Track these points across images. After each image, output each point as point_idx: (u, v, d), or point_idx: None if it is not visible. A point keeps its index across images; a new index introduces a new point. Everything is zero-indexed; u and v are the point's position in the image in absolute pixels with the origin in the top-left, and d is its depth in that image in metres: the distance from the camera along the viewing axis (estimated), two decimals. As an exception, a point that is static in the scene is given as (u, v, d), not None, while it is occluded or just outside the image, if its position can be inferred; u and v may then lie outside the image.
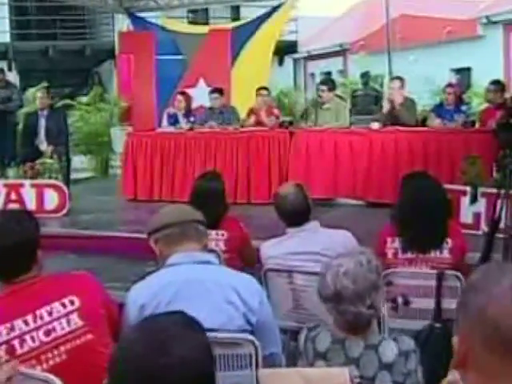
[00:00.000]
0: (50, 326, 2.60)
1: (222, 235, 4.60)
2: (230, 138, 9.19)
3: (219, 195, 4.70)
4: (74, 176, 12.45)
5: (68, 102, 15.40)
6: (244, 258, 4.66)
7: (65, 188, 8.60)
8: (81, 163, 14.92)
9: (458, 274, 3.72)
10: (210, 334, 2.75)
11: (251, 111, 9.89)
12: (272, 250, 4.20)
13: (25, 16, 21.90)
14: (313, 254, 4.04)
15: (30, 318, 2.59)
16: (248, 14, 16.00)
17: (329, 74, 24.66)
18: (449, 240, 3.90)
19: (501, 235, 5.00)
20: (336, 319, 2.62)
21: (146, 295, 2.82)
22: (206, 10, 22.46)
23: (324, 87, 9.26)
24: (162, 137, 9.66)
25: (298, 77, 26.03)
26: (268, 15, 12.92)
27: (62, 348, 2.60)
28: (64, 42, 21.81)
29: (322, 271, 2.66)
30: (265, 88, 10.07)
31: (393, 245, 3.96)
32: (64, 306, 2.65)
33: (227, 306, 2.76)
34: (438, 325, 3.68)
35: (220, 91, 10.01)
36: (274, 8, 13.00)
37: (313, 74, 25.29)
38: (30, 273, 2.69)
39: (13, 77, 19.84)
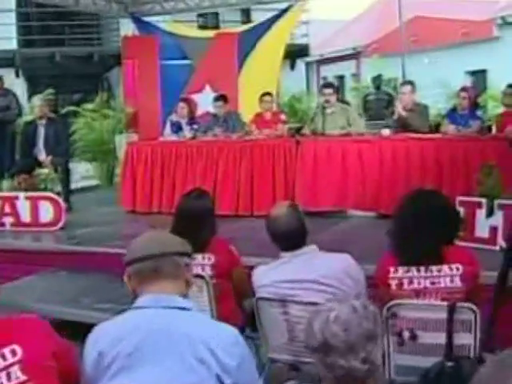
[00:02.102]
0: (-14, 382, 2.22)
1: (209, 259, 4.19)
2: (233, 147, 8.78)
3: (206, 216, 4.27)
4: (79, 184, 12.20)
5: (74, 108, 15.17)
6: (234, 286, 4.26)
7: (60, 200, 8.23)
8: (86, 171, 14.68)
9: (472, 305, 3.30)
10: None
11: (257, 116, 9.60)
12: (264, 278, 3.79)
13: (31, 22, 21.64)
14: (310, 282, 3.64)
15: (-37, 372, 2.21)
16: (259, 17, 15.62)
17: (342, 77, 24.36)
18: (460, 266, 3.46)
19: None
20: (324, 375, 2.19)
21: (106, 341, 2.41)
22: (217, 14, 22.17)
23: (330, 90, 8.83)
24: (162, 146, 9.28)
25: (310, 81, 25.65)
26: (276, 18, 12.57)
27: (1, 407, 2.22)
28: (71, 48, 21.54)
29: (310, 318, 2.24)
30: (268, 93, 9.72)
31: (396, 275, 3.52)
32: (4, 357, 2.26)
33: (198, 365, 2.30)
34: (449, 363, 3.25)
35: (224, 98, 9.66)
36: (282, 11, 12.65)
37: (325, 78, 24.91)
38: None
39: (20, 84, 19.65)
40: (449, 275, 3.46)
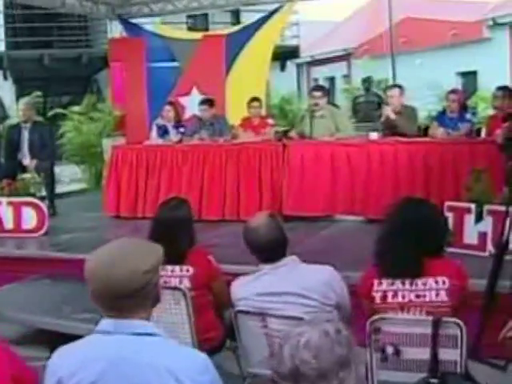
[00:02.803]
0: None
1: (188, 271, 4.04)
2: (219, 151, 8.64)
3: (184, 226, 4.11)
4: (67, 188, 12.05)
5: (61, 111, 15.03)
6: (214, 297, 4.13)
7: (43, 206, 8.08)
8: (74, 174, 14.55)
9: (458, 320, 3.18)
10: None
11: (245, 120, 9.48)
12: (243, 290, 3.66)
13: (19, 24, 21.43)
14: (290, 294, 3.51)
15: None
16: (248, 19, 15.51)
17: (332, 79, 24.27)
18: (446, 280, 3.33)
19: (509, 257, 4.39)
20: None
21: (66, 368, 2.26)
22: (206, 15, 22.04)
23: (319, 93, 8.69)
24: (147, 150, 9.12)
25: (301, 82, 25.54)
26: (265, 20, 12.43)
27: None
28: (60, 51, 21.35)
29: (280, 343, 2.10)
30: (257, 99, 9.59)
31: (380, 287, 3.40)
32: None
33: None
34: (433, 380, 3.13)
35: (210, 102, 9.52)
36: (270, 13, 12.52)
37: (316, 80, 24.82)
38: None
39: (8, 86, 19.51)
40: (434, 289, 3.33)
